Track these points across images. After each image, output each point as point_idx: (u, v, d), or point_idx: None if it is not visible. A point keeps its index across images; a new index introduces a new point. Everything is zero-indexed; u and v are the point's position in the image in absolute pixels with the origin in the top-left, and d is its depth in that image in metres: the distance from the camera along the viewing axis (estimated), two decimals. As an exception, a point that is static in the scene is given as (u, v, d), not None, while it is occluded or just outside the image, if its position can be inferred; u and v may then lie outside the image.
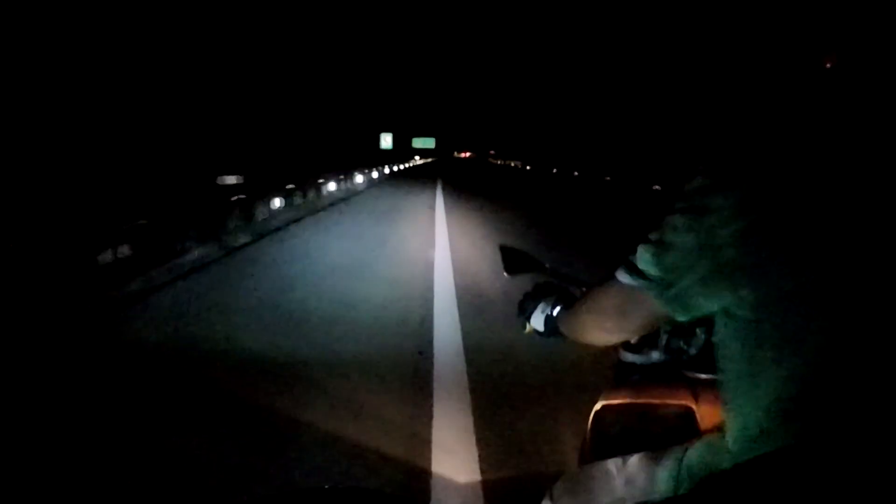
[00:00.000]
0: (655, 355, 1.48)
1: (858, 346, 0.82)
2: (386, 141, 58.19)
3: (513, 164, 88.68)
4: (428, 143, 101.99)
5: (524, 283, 1.54)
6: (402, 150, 74.01)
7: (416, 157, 75.40)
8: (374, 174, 28.44)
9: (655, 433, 1.34)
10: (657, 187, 22.50)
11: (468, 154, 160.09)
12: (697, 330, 1.42)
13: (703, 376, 1.40)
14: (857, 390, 0.83)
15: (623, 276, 1.00)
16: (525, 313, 1.41)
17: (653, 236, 0.96)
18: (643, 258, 0.97)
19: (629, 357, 1.51)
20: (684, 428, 1.31)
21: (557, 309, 1.35)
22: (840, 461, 0.81)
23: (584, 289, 1.43)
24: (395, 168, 41.66)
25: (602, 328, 1.11)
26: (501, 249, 1.63)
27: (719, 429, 1.07)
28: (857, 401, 0.83)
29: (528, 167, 70.78)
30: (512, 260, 1.61)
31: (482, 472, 2.68)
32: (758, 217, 0.84)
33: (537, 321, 1.38)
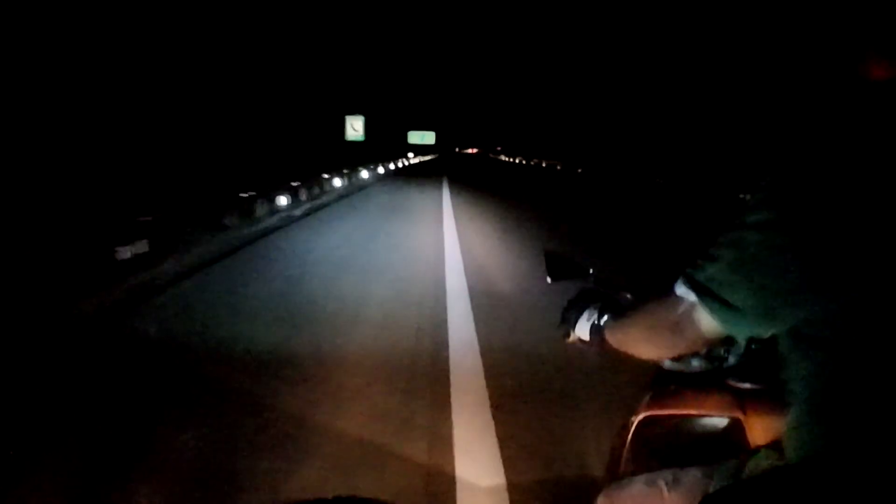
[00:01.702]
0: (696, 363, 1.45)
1: None
2: (354, 128, 34.43)
3: (543, 165, 70.13)
4: (427, 137, 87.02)
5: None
6: (397, 146, 61.55)
7: (410, 154, 57.73)
8: (284, 200, 12.62)
9: (703, 445, 1.33)
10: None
11: (475, 150, 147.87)
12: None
13: (749, 386, 1.37)
14: None
15: (682, 290, 0.98)
16: (569, 321, 1.37)
17: (712, 250, 0.95)
18: (701, 272, 0.96)
19: (668, 365, 1.48)
20: (733, 440, 1.29)
21: (604, 318, 1.31)
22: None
23: (629, 296, 1.42)
24: (366, 175, 25.14)
25: (655, 342, 1.10)
26: (546, 255, 1.61)
27: (774, 442, 1.07)
28: None
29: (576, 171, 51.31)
30: (555, 266, 1.59)
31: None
32: (791, 226, 0.85)
33: (582, 330, 1.35)
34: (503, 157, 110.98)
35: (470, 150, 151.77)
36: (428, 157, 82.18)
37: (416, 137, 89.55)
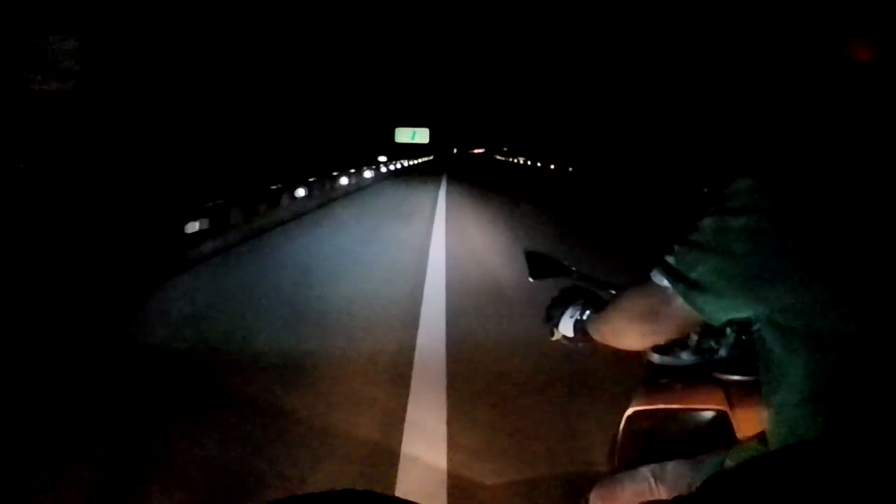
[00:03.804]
0: (685, 356, 1.47)
1: (890, 348, 0.84)
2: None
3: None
4: (420, 135, 71.94)
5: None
6: (384, 146, 47.43)
7: (382, 158, 38.62)
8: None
9: (690, 439, 1.36)
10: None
11: (480, 150, 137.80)
12: (728, 329, 1.43)
13: (736, 378, 1.39)
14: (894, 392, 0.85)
15: (658, 278, 1.01)
16: (553, 320, 1.40)
17: (690, 236, 0.97)
18: (677, 259, 0.98)
19: (658, 359, 1.51)
20: (719, 433, 1.32)
21: (587, 313, 1.34)
22: (881, 462, 0.83)
23: (612, 292, 1.44)
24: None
25: (635, 332, 1.11)
26: (526, 254, 1.62)
27: (759, 433, 1.09)
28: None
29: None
30: (537, 264, 1.61)
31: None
32: (771, 214, 0.87)
33: (566, 327, 1.37)
34: (516, 160, 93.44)
35: (476, 150, 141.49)
36: (419, 161, 64.83)
37: (406, 136, 73.37)
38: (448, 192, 20.35)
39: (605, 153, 43.27)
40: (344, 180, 19.75)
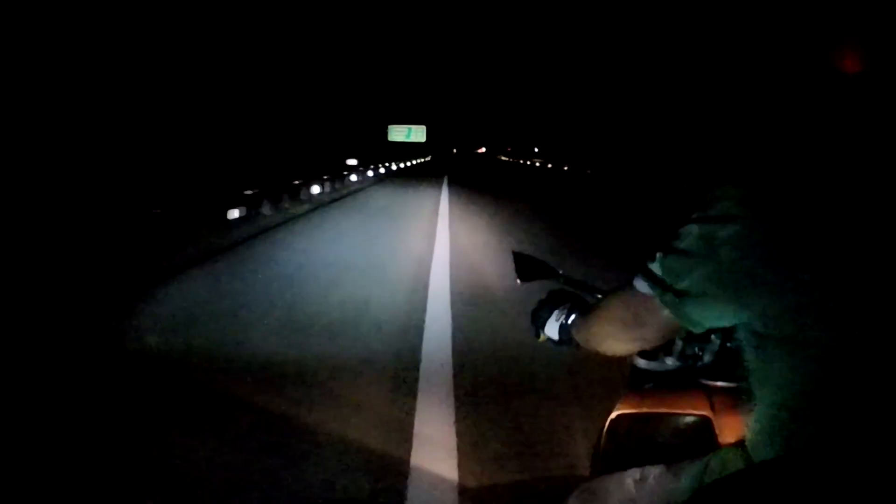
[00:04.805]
0: (670, 362, 1.48)
1: (872, 355, 0.85)
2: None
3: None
4: (416, 134, 65.19)
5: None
6: (377, 147, 44.44)
7: (352, 161, 28.49)
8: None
9: (672, 444, 1.37)
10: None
11: (482, 150, 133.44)
12: (712, 336, 1.44)
13: (720, 384, 1.41)
14: (875, 399, 0.85)
15: (640, 284, 1.01)
16: (538, 322, 1.41)
17: (672, 242, 0.98)
18: (660, 266, 0.99)
19: (643, 364, 1.52)
20: (702, 438, 1.33)
21: (572, 317, 1.35)
22: (861, 468, 0.83)
23: (598, 296, 1.46)
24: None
25: (618, 338, 1.12)
26: (514, 256, 1.63)
27: (740, 440, 1.10)
28: (876, 410, 0.85)
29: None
30: (525, 267, 1.61)
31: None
32: (757, 221, 0.87)
33: (551, 330, 1.38)
34: (528, 161, 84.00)
35: (479, 150, 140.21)
36: (415, 162, 55.65)
37: (400, 134, 65.60)
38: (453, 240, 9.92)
39: (635, 157, 39.49)
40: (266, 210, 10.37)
